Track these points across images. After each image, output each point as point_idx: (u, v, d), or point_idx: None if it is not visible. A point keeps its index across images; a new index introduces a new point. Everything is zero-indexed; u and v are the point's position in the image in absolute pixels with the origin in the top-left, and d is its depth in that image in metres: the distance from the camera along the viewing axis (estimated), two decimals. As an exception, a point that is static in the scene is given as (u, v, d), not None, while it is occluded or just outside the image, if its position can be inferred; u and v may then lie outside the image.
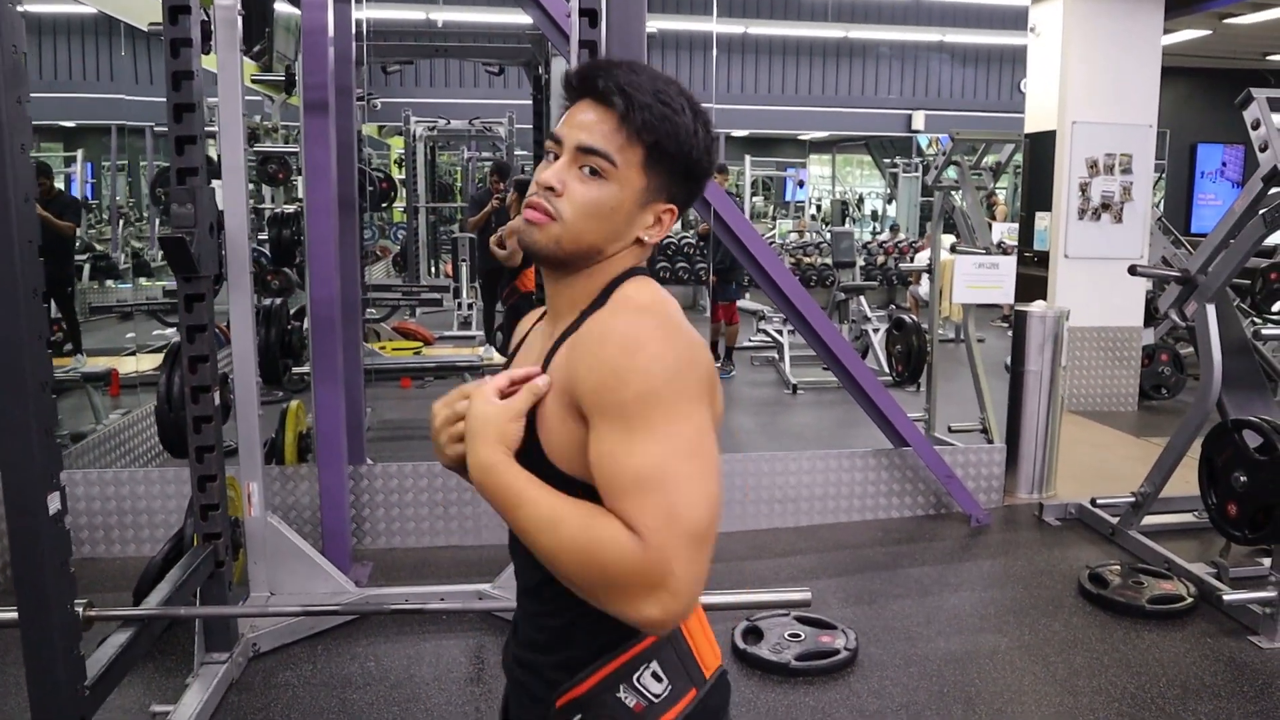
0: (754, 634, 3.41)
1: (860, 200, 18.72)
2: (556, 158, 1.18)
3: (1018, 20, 11.15)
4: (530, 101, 5.76)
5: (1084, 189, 6.62)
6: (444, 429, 1.18)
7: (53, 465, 1.96)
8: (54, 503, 1.95)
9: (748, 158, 14.65)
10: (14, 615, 2.10)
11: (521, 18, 4.22)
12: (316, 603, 3.37)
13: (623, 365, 1.05)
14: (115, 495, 4.15)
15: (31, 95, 1.93)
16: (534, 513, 1.06)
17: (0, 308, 1.82)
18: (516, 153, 9.41)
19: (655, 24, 10.85)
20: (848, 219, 16.66)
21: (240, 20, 3.23)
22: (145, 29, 3.30)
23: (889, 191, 17.37)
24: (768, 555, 4.27)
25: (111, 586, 3.78)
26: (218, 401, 2.99)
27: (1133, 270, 4.32)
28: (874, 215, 18.07)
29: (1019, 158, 6.71)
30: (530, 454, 1.11)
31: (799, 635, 3.40)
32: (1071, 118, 6.56)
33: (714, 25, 7.29)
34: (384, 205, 9.12)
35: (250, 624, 3.28)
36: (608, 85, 1.15)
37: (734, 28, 12.19)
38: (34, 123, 1.90)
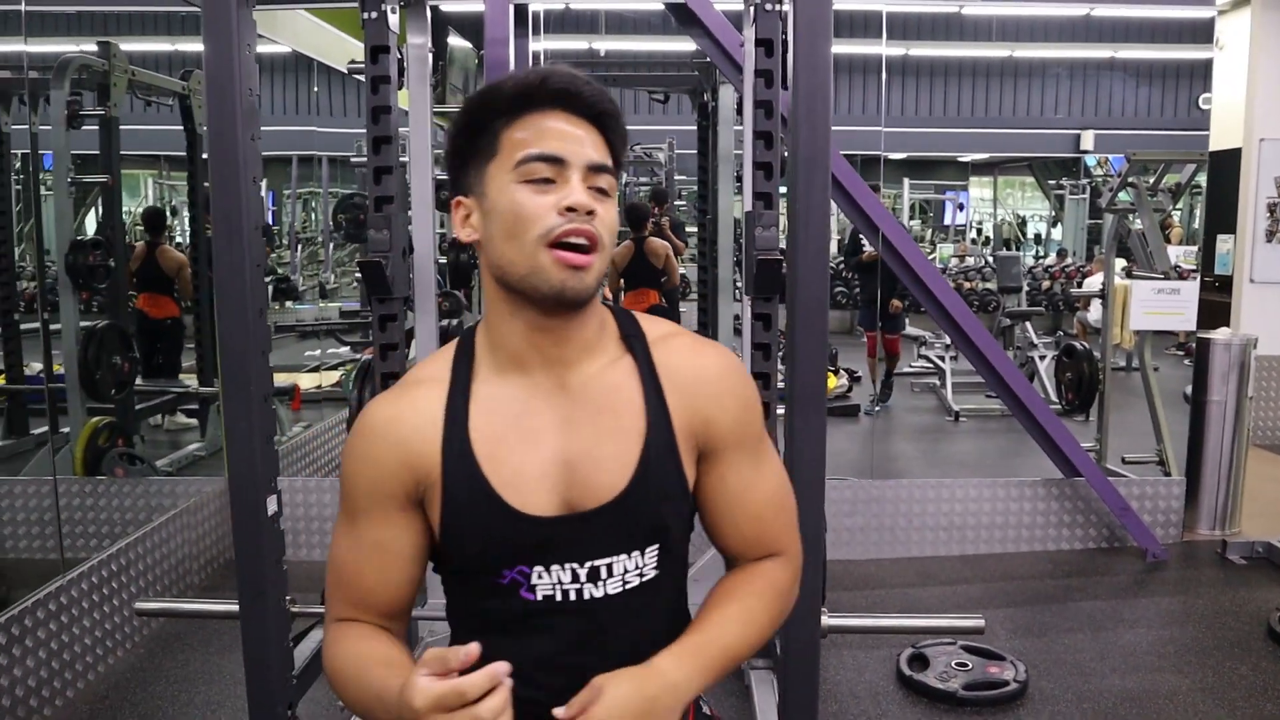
0: (919, 661, 3.38)
1: (1023, 223, 18.15)
2: (549, 181, 1.02)
3: (1196, 34, 10.69)
4: (694, 128, 5.86)
5: (1273, 210, 6.28)
6: None
7: (271, 470, 2.14)
8: (272, 504, 2.13)
9: (906, 180, 14.44)
10: (234, 608, 2.30)
11: (684, 44, 4.30)
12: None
13: (749, 396, 1.13)
14: (303, 503, 4.42)
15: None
16: (742, 644, 1.09)
17: (233, 326, 2.01)
18: (677, 177, 9.55)
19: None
20: (1012, 243, 16.19)
21: (431, 57, 3.44)
22: (345, 70, 3.53)
23: (1053, 214, 16.79)
24: (934, 583, 4.20)
25: (298, 588, 4.01)
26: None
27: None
28: (1036, 239, 17.49)
29: (1201, 177, 6.43)
30: (681, 495, 1.09)
31: (966, 665, 3.35)
32: (1259, 135, 6.25)
33: (884, 48, 7.25)
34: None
35: (429, 628, 3.45)
36: (597, 99, 1.05)
37: (895, 50, 12.09)
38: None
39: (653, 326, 1.13)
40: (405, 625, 1.16)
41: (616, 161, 1.07)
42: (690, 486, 1.09)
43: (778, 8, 2.53)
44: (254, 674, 2.16)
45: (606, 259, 1.04)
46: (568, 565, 1.04)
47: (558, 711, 0.97)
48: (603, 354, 1.09)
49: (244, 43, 1.97)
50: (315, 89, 5.81)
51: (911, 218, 16.17)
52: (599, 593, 1.05)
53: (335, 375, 7.26)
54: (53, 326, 5.09)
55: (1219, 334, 4.69)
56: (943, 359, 8.11)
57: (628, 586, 1.06)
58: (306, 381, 7.07)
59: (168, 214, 7.00)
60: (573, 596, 1.05)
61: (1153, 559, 4.39)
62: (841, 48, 11.31)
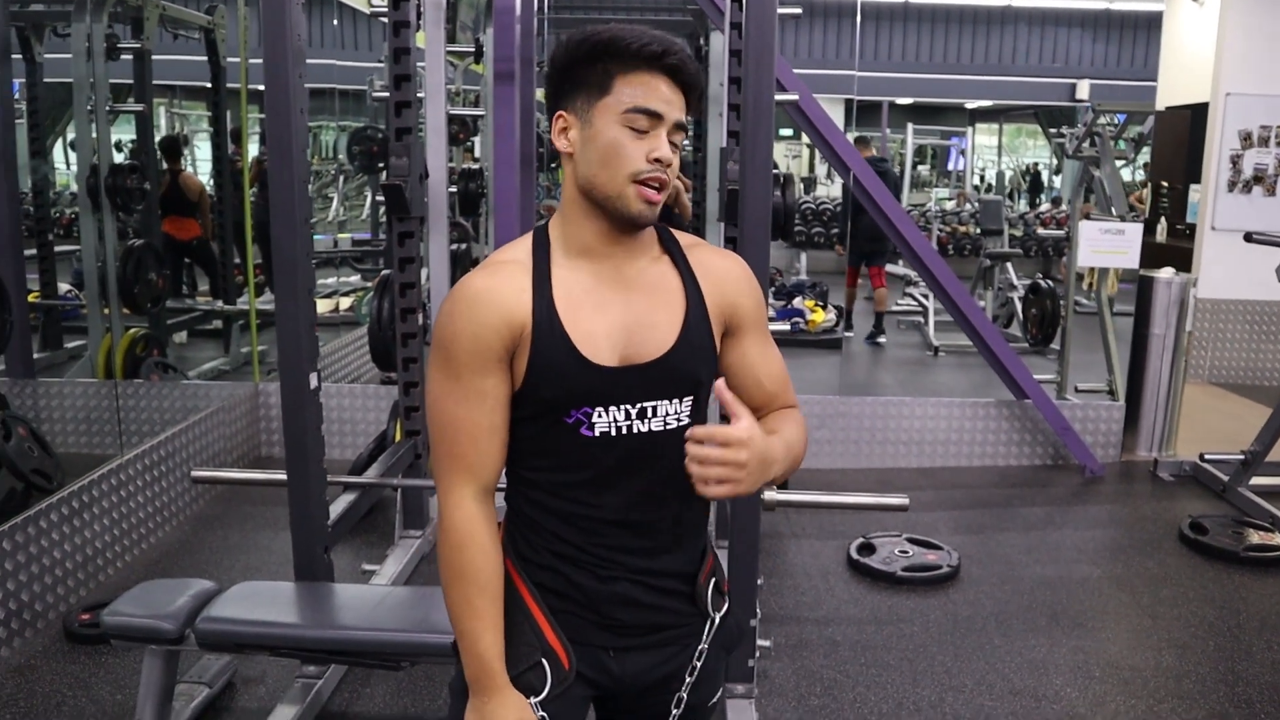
0: (868, 549, 3.87)
1: (1028, 171, 18.41)
2: (646, 133, 1.27)
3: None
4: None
5: (1235, 161, 6.65)
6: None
7: (313, 351, 2.59)
8: (313, 379, 2.58)
9: (910, 125, 14.71)
10: (277, 476, 2.77)
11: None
12: (492, 498, 3.99)
13: (760, 291, 1.51)
14: (326, 405, 4.88)
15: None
16: (792, 448, 1.38)
17: (285, 232, 2.44)
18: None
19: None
20: (1014, 190, 16.50)
21: (445, 2, 3.82)
22: (367, 11, 3.92)
23: (1055, 162, 17.06)
24: (890, 489, 4.67)
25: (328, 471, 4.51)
26: (421, 321, 3.61)
27: (1248, 237, 4.50)
28: (1038, 185, 17.75)
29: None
30: (711, 354, 1.39)
31: (908, 552, 3.84)
32: (1225, 89, 6.59)
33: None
34: (553, 166, 9.76)
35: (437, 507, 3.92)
36: (695, 76, 1.30)
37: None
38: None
39: (683, 237, 1.44)
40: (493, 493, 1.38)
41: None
42: (717, 349, 1.40)
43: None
44: (298, 521, 2.64)
45: (666, 196, 1.32)
46: (622, 406, 1.32)
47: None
48: (647, 253, 1.39)
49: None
50: (336, 22, 6.17)
51: (919, 162, 16.44)
52: (644, 428, 1.33)
53: (348, 301, 7.65)
54: (71, 248, 5.49)
55: (1162, 273, 5.10)
56: (927, 297, 8.50)
57: (667, 427, 1.35)
58: (323, 306, 7.47)
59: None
60: (624, 431, 1.33)
61: (1090, 474, 4.87)
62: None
